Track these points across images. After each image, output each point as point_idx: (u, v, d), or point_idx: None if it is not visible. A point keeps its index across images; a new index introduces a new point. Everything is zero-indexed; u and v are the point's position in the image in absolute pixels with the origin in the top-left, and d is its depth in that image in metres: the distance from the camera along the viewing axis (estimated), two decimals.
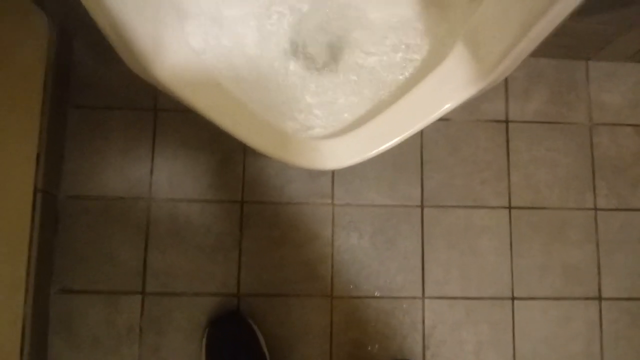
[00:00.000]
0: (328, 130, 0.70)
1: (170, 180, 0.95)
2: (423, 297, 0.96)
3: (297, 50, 0.71)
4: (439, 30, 0.68)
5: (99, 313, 0.91)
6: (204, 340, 0.88)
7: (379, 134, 0.63)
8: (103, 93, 0.97)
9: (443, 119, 1.00)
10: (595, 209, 1.01)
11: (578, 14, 0.87)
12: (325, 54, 0.72)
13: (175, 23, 0.62)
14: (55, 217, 0.92)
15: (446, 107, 0.62)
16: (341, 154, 0.64)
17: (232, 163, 0.96)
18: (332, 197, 0.97)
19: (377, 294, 0.95)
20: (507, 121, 1.02)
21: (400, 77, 0.70)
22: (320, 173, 0.97)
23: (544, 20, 0.51)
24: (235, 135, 0.62)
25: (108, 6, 0.48)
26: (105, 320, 0.90)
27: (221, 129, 0.63)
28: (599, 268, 0.99)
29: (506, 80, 1.04)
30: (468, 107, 1.02)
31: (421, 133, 1.00)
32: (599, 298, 0.98)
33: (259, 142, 0.62)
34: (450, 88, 0.62)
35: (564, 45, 1.00)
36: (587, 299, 0.98)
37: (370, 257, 0.96)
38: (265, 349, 0.88)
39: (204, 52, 0.65)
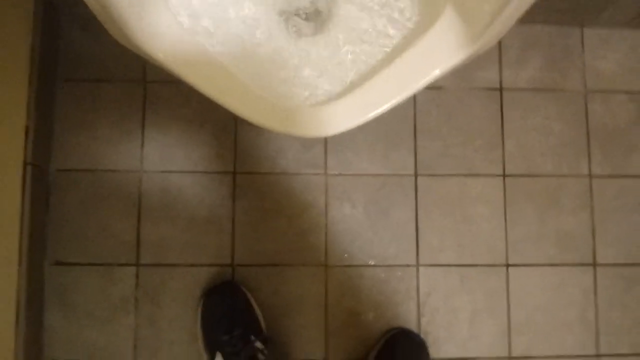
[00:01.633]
0: (319, 97, 0.69)
1: (161, 152, 0.94)
2: (417, 264, 0.96)
3: (287, 18, 0.70)
4: None
5: (94, 285, 0.91)
6: (199, 309, 0.88)
7: (369, 100, 0.63)
8: (92, 66, 0.96)
9: (435, 87, 1.00)
10: (590, 175, 1.01)
11: None
12: (316, 20, 0.71)
13: None
14: (46, 191, 0.92)
15: (435, 72, 0.61)
16: (331, 121, 0.63)
17: (224, 134, 0.96)
18: (325, 167, 0.97)
19: (371, 262, 0.95)
20: (500, 89, 1.02)
21: (393, 41, 0.69)
22: (313, 143, 0.97)
23: None
24: (222, 104, 0.61)
25: None
26: (100, 291, 0.91)
27: (211, 99, 0.62)
28: (593, 235, 0.99)
29: (500, 47, 1.03)
30: (461, 75, 1.01)
31: (414, 102, 1.00)
32: (594, 264, 0.99)
33: (247, 111, 0.62)
34: (439, 53, 0.61)
35: (558, 9, 0.98)
36: (581, 265, 0.98)
37: (364, 226, 0.96)
38: (260, 317, 0.89)
39: (190, 23, 0.64)
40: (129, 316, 0.90)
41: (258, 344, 0.82)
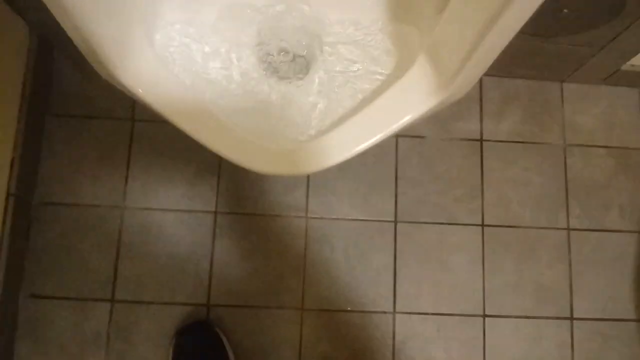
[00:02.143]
0: (296, 139, 0.71)
1: (144, 190, 0.96)
2: (394, 311, 0.96)
3: (266, 61, 0.72)
4: (408, 41, 0.70)
5: (67, 319, 0.90)
6: (171, 348, 0.87)
7: (344, 141, 0.65)
8: (82, 102, 0.98)
9: (418, 136, 1.02)
10: (568, 229, 1.02)
11: (550, 35, 0.90)
12: (294, 66, 0.74)
13: (143, 31, 0.63)
14: (28, 223, 0.92)
15: (407, 118, 0.63)
16: (307, 161, 0.64)
17: (207, 174, 0.97)
18: (306, 211, 0.98)
19: (348, 307, 0.95)
20: (481, 140, 1.04)
21: (369, 87, 0.72)
22: (295, 186, 0.98)
23: (495, 31, 0.52)
24: (201, 142, 0.63)
25: (72, 11, 0.50)
26: (73, 326, 0.90)
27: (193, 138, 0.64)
28: (571, 288, 1.00)
29: (481, 99, 1.05)
30: (443, 125, 1.03)
31: (396, 149, 1.02)
32: (571, 318, 0.99)
33: (223, 148, 0.63)
34: (411, 99, 0.63)
35: (538, 65, 1.02)
36: (558, 318, 0.98)
37: (342, 271, 0.97)
38: (231, 357, 0.88)
39: (172, 62, 0.67)
40: (100, 352, 0.90)
41: None
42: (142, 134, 0.98)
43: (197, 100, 0.64)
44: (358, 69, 0.72)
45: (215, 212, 0.96)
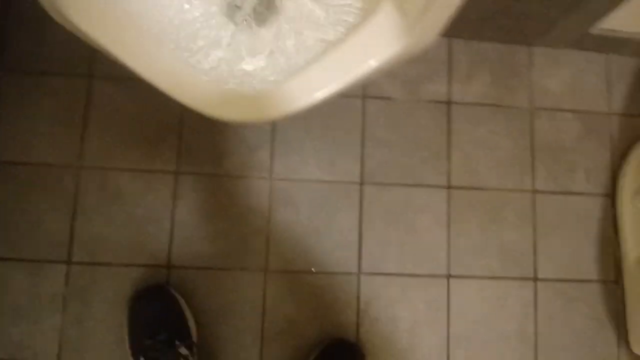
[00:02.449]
0: (261, 84, 0.69)
1: (101, 149, 0.93)
2: (359, 272, 0.95)
3: (231, 4, 0.70)
4: None
5: (22, 282, 0.88)
6: (127, 312, 0.85)
7: (306, 87, 0.62)
8: (37, 59, 0.94)
9: (385, 98, 1.00)
10: (534, 191, 1.02)
11: None
12: (263, 10, 0.72)
13: None
14: None
15: (370, 62, 0.61)
16: (270, 106, 0.62)
17: (168, 133, 0.94)
18: (271, 171, 0.96)
19: (312, 269, 0.94)
20: (449, 102, 1.03)
21: (334, 32, 0.70)
22: (259, 146, 0.96)
23: None
24: (156, 85, 0.60)
25: None
26: (28, 288, 0.88)
27: (149, 84, 0.61)
28: (535, 250, 1.00)
29: (449, 62, 1.04)
30: (410, 87, 1.02)
31: (362, 110, 1.00)
32: (535, 279, 0.99)
33: (186, 97, 0.61)
34: (376, 44, 0.61)
35: (507, 28, 1.00)
36: (522, 279, 0.99)
37: (307, 232, 0.95)
38: (191, 323, 0.86)
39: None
40: (56, 315, 0.87)
41: (183, 350, 0.80)
42: (100, 91, 0.94)
43: (154, 42, 0.61)
44: (321, 17, 0.69)
45: (176, 172, 0.94)
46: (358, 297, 0.94)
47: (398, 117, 1.01)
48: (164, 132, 0.94)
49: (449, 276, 0.97)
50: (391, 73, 1.02)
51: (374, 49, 0.62)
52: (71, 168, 0.91)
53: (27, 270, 0.88)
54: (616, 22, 0.98)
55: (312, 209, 0.96)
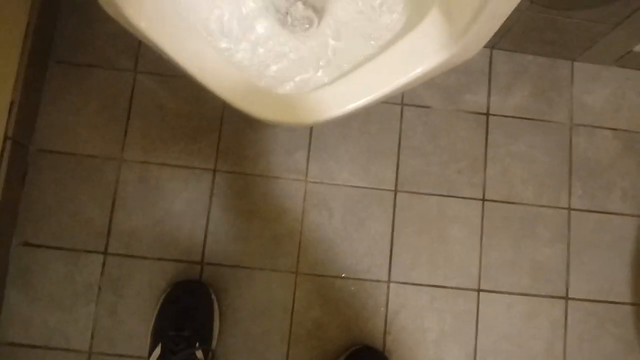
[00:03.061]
0: (305, 88, 0.70)
1: (143, 143, 0.94)
2: (389, 281, 0.95)
3: (279, 9, 0.71)
4: None
5: (59, 269, 0.89)
6: (162, 297, 0.86)
7: (351, 92, 0.63)
8: (85, 50, 0.96)
9: (423, 106, 1.00)
10: (569, 208, 1.01)
11: (564, 7, 0.88)
12: (310, 15, 0.72)
13: None
14: (24, 169, 0.91)
15: (417, 70, 0.62)
16: (313, 109, 0.63)
17: (208, 130, 0.96)
18: (306, 174, 0.97)
19: (343, 274, 0.94)
20: (487, 114, 1.02)
21: (380, 41, 0.70)
22: (296, 148, 0.97)
23: None
24: (204, 84, 0.61)
25: None
26: (64, 276, 0.89)
27: (194, 81, 0.62)
28: (567, 268, 0.99)
29: (490, 73, 1.04)
30: (450, 96, 1.02)
31: (400, 117, 1.00)
32: (566, 298, 0.98)
33: (230, 93, 0.61)
34: (422, 52, 0.62)
35: (550, 41, 1.00)
36: (553, 297, 0.98)
37: (339, 237, 0.96)
38: (216, 328, 0.87)
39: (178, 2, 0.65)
40: (90, 304, 0.89)
41: (199, 354, 0.80)
42: (144, 86, 0.96)
43: (200, 39, 0.62)
44: (369, 21, 0.70)
45: (214, 170, 0.95)
46: (387, 305, 0.94)
47: (436, 126, 1.01)
48: (205, 130, 0.96)
49: (479, 290, 0.96)
50: (431, 82, 1.01)
51: (421, 56, 0.62)
52: (113, 160, 0.93)
53: (65, 258, 0.90)
54: None
55: (346, 213, 0.96)
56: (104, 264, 0.90)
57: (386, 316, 0.94)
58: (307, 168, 0.97)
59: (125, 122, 0.95)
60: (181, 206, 0.93)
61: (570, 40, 0.99)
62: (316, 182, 0.97)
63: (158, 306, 0.86)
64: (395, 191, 0.98)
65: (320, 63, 0.70)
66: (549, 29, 0.95)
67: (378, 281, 0.95)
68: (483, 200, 0.99)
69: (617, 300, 0.98)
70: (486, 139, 1.01)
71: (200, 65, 0.60)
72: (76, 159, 0.93)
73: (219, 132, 0.96)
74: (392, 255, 0.96)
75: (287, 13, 0.74)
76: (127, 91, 0.95)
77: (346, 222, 0.96)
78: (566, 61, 1.06)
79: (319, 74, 0.69)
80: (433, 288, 0.96)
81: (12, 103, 0.86)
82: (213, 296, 0.88)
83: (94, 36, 0.97)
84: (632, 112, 1.05)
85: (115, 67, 0.96)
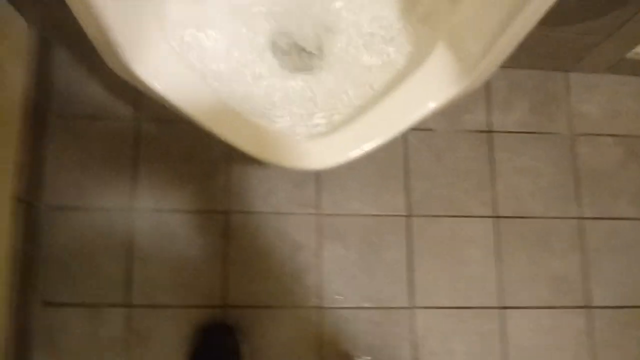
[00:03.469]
0: (312, 131, 0.70)
1: (153, 191, 0.94)
2: (412, 307, 0.95)
3: (280, 51, 0.72)
4: (421, 30, 0.70)
5: (83, 326, 0.89)
6: (190, 347, 0.86)
7: (362, 134, 0.64)
8: (84, 102, 0.96)
9: (426, 129, 1.01)
10: (580, 217, 1.02)
11: (556, 23, 0.90)
12: (310, 56, 0.73)
13: (157, 25, 0.62)
14: (36, 228, 0.91)
15: (430, 106, 0.63)
16: (325, 154, 0.64)
17: (216, 173, 0.96)
18: (317, 207, 0.97)
19: (365, 304, 0.94)
20: (489, 131, 1.04)
21: (384, 78, 0.71)
22: (304, 182, 0.97)
23: (521, 18, 0.52)
24: (214, 132, 0.62)
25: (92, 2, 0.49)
26: (89, 333, 0.89)
27: (203, 129, 0.62)
28: (585, 277, 0.99)
29: (488, 91, 1.05)
30: (450, 118, 1.03)
31: (405, 143, 1.01)
32: (588, 306, 0.98)
33: (239, 140, 0.62)
34: (433, 88, 0.63)
35: (544, 55, 1.02)
36: (575, 307, 0.98)
37: (357, 267, 0.96)
38: None
39: (186, 52, 0.66)
40: (118, 359, 0.88)
41: None
42: (148, 133, 0.96)
43: (210, 91, 0.63)
44: (376, 62, 0.71)
45: (226, 212, 0.95)
46: (414, 331, 0.94)
47: (440, 148, 1.02)
48: (213, 172, 0.96)
49: (502, 307, 0.97)
50: None
51: (431, 93, 0.64)
52: (124, 211, 0.93)
53: (88, 314, 0.89)
54: None
55: (361, 243, 0.97)
56: (127, 317, 0.90)
57: (415, 342, 0.94)
58: (317, 201, 0.97)
59: (132, 171, 0.95)
60: (197, 251, 0.93)
61: (564, 52, 1.01)
62: (328, 215, 0.97)
63: (188, 356, 0.85)
64: (408, 216, 0.99)
65: (324, 105, 0.70)
66: (542, 44, 0.98)
67: (401, 308, 0.95)
68: (494, 217, 1.00)
69: (638, 304, 0.99)
70: (490, 156, 1.03)
71: (213, 117, 0.61)
72: (87, 212, 0.93)
73: (228, 174, 0.96)
74: (412, 281, 0.96)
75: (284, 51, 0.75)
76: (130, 140, 0.96)
77: (362, 251, 0.96)
78: (561, 73, 1.08)
79: (323, 119, 0.69)
80: (456, 310, 0.96)
81: (17, 164, 0.85)
82: (239, 337, 0.88)
83: (92, 87, 0.97)
84: (630, 117, 1.07)
85: (116, 116, 0.96)
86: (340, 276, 0.95)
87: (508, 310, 0.96)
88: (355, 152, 0.64)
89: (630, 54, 1.01)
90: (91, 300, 0.89)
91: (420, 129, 1.02)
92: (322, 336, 0.92)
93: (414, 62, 0.68)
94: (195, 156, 0.97)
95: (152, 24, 0.61)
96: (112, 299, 0.90)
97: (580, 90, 1.08)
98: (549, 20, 0.89)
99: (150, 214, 0.94)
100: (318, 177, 0.98)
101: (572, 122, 1.06)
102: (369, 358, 0.92)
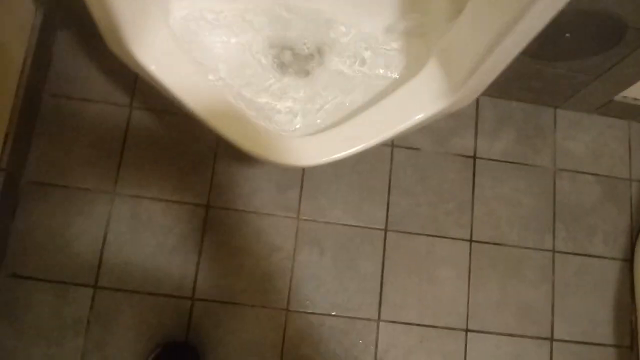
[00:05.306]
0: (302, 131, 0.71)
1: (136, 178, 0.94)
2: (378, 319, 0.96)
3: (279, 53, 0.73)
4: (416, 47, 0.71)
5: (48, 302, 0.88)
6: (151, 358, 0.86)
7: (350, 137, 0.65)
8: (80, 85, 0.97)
9: (413, 148, 1.03)
10: (553, 250, 1.03)
11: (550, 58, 0.92)
12: (306, 62, 0.75)
13: (159, 9, 0.63)
14: (14, 201, 0.90)
15: (417, 117, 0.64)
16: (312, 152, 0.65)
17: (202, 166, 0.97)
18: (298, 212, 0.98)
19: (333, 312, 0.95)
20: (474, 157, 1.05)
21: (377, 89, 0.73)
22: (289, 186, 0.98)
23: (507, 42, 0.53)
24: (204, 119, 0.63)
25: None
26: (52, 310, 0.88)
27: (194, 117, 0.63)
28: (552, 309, 1.01)
29: (477, 117, 1.07)
30: (438, 139, 1.05)
31: (391, 158, 1.02)
32: (551, 339, 0.99)
33: (230, 131, 0.63)
34: (421, 100, 0.64)
35: (535, 89, 1.04)
36: (539, 338, 0.99)
37: (330, 274, 0.96)
38: None
39: (186, 39, 0.67)
40: (78, 338, 0.88)
41: None
42: (139, 121, 0.97)
43: (205, 80, 0.64)
44: (369, 72, 0.72)
45: (207, 206, 0.95)
46: (376, 344, 0.95)
47: (425, 167, 1.04)
48: (198, 166, 0.97)
49: (467, 330, 0.97)
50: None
51: (420, 105, 0.65)
52: (106, 194, 0.93)
53: (54, 291, 0.89)
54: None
55: (337, 251, 0.97)
56: (93, 298, 0.89)
57: (376, 355, 0.94)
58: (299, 206, 0.98)
59: (119, 156, 0.95)
60: (173, 241, 0.93)
61: (554, 88, 1.03)
62: (308, 220, 0.98)
63: None
64: (386, 230, 1.00)
65: (317, 107, 0.72)
66: (534, 78, 1.00)
67: (368, 319, 0.95)
68: (470, 241, 1.01)
69: (600, 342, 1.00)
70: (473, 181, 1.04)
71: (205, 107, 0.62)
72: (68, 191, 0.93)
73: (213, 169, 0.97)
74: (382, 294, 0.97)
75: (282, 56, 0.76)
76: (121, 126, 0.96)
77: (337, 260, 0.97)
78: (549, 108, 1.10)
79: (318, 120, 0.71)
80: (422, 327, 0.96)
81: (6, 135, 0.86)
82: (200, 355, 0.88)
83: (89, 70, 0.97)
84: (612, 159, 1.10)
85: (110, 101, 0.97)
86: (312, 282, 0.95)
87: (473, 334, 0.97)
88: (341, 153, 0.64)
89: (618, 97, 1.04)
90: (59, 277, 0.89)
91: (407, 147, 1.04)
92: (286, 339, 0.92)
93: (407, 75, 0.69)
94: (183, 148, 0.97)
95: (156, 9, 0.62)
96: (80, 278, 0.89)
97: (567, 127, 1.10)
98: (544, 55, 0.92)
99: (130, 199, 0.94)
100: (302, 183, 0.99)
101: (556, 157, 1.08)
102: None
